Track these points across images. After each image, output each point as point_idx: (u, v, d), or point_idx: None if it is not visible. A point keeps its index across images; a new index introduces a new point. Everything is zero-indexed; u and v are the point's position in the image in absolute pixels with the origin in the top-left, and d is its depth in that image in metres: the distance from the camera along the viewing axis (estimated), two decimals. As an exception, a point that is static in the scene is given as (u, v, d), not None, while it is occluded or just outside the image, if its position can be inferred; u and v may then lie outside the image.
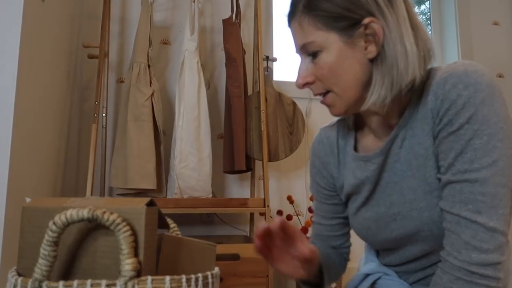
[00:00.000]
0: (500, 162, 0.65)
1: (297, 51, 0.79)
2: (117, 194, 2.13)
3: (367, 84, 0.74)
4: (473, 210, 0.65)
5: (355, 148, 0.87)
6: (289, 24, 0.79)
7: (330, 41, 0.72)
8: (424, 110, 0.73)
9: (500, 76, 3.00)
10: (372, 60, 0.73)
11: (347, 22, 0.71)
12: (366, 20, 0.71)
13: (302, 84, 0.78)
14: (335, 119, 0.93)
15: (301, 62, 0.79)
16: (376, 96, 0.72)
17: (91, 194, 1.89)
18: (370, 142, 0.84)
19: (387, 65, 0.71)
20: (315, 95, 0.79)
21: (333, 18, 0.71)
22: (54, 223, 0.60)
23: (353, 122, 0.88)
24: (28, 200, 0.72)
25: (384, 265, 0.89)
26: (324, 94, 0.77)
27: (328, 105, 0.79)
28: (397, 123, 0.77)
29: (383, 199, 0.80)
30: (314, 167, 0.96)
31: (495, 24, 3.05)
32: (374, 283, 0.88)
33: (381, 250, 0.90)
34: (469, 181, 0.65)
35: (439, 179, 0.71)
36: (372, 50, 0.72)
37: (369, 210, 0.83)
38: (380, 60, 0.72)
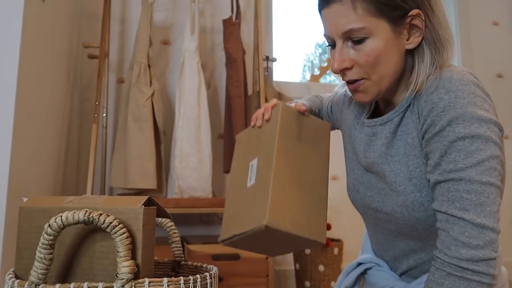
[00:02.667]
0: (485, 162, 0.66)
1: (334, 35, 0.75)
2: (117, 194, 2.13)
3: (400, 75, 0.77)
4: (459, 208, 0.66)
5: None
6: (330, 5, 0.74)
7: (380, 29, 0.72)
8: (414, 106, 0.76)
9: (499, 76, 2.99)
10: (408, 51, 0.75)
11: (400, 12, 0.72)
12: (414, 12, 0.73)
13: (340, 70, 0.77)
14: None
15: (338, 47, 0.75)
16: (413, 87, 0.74)
17: (91, 194, 1.89)
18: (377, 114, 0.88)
19: (426, 58, 0.74)
20: (348, 80, 0.78)
21: (389, 6, 0.71)
22: (49, 226, 0.60)
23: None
24: (25, 200, 0.72)
25: (375, 253, 0.93)
26: (356, 80, 0.77)
27: (360, 91, 0.78)
28: (396, 108, 0.79)
29: (373, 173, 0.83)
30: (342, 96, 0.97)
31: (495, 24, 3.04)
32: (365, 272, 0.91)
33: (367, 227, 0.94)
34: (455, 180, 0.67)
35: (428, 180, 0.73)
36: (415, 41, 0.74)
37: (365, 176, 0.86)
38: (418, 52, 0.75)
